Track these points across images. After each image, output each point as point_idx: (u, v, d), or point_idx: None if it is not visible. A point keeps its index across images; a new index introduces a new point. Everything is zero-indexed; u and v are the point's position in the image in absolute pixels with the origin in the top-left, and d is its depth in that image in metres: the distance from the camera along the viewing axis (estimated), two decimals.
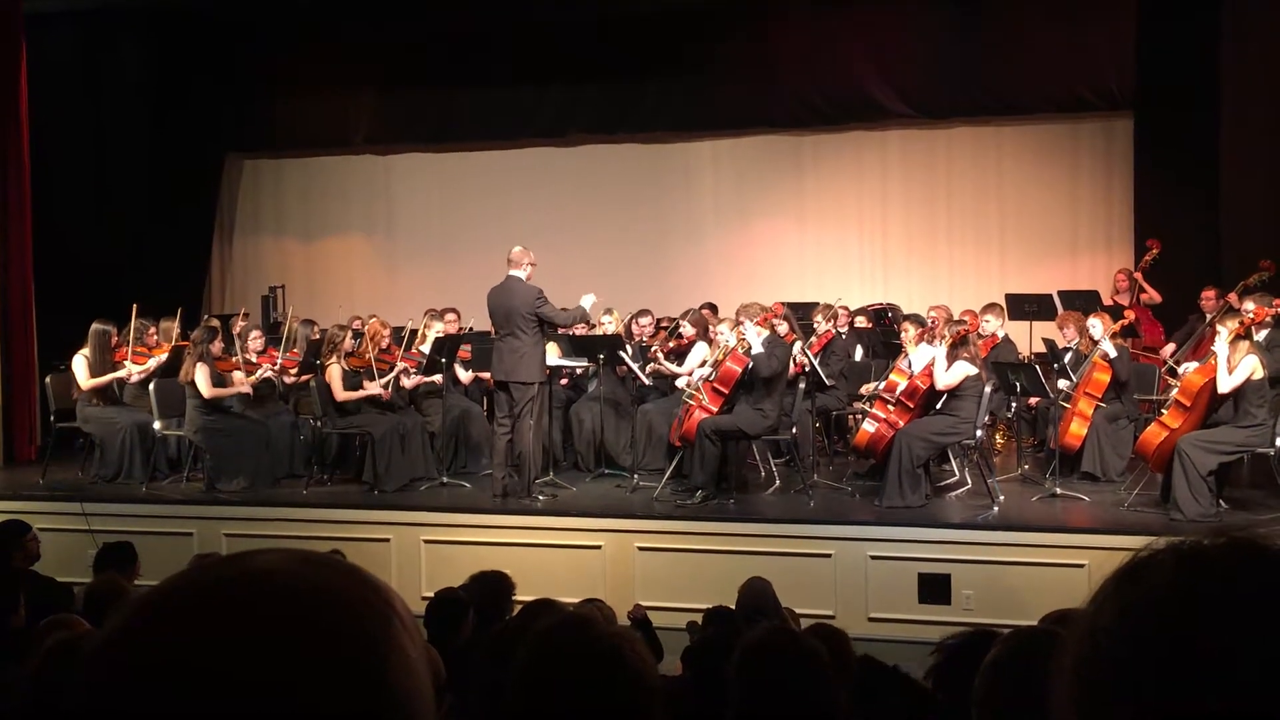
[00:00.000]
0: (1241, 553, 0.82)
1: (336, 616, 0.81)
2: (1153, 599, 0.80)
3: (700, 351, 9.46)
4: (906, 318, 9.38)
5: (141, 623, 0.81)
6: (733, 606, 5.60)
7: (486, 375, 9.05)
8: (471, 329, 10.24)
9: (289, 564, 0.84)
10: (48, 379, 9.87)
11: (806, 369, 8.74)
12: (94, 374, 9.30)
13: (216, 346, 9.12)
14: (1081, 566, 6.99)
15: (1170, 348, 9.99)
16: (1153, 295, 10.75)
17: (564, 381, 9.95)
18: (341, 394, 8.91)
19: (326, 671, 0.79)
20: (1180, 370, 8.33)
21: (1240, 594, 0.79)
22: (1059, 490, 8.13)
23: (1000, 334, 9.69)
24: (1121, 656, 0.80)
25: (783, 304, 9.53)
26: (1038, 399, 9.01)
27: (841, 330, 10.32)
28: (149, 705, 0.77)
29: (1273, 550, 0.82)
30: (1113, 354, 8.59)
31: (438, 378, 9.45)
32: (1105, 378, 8.61)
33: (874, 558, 7.50)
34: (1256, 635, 0.76)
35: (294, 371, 9.87)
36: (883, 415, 8.33)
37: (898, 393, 8.29)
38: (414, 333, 9.97)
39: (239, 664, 0.77)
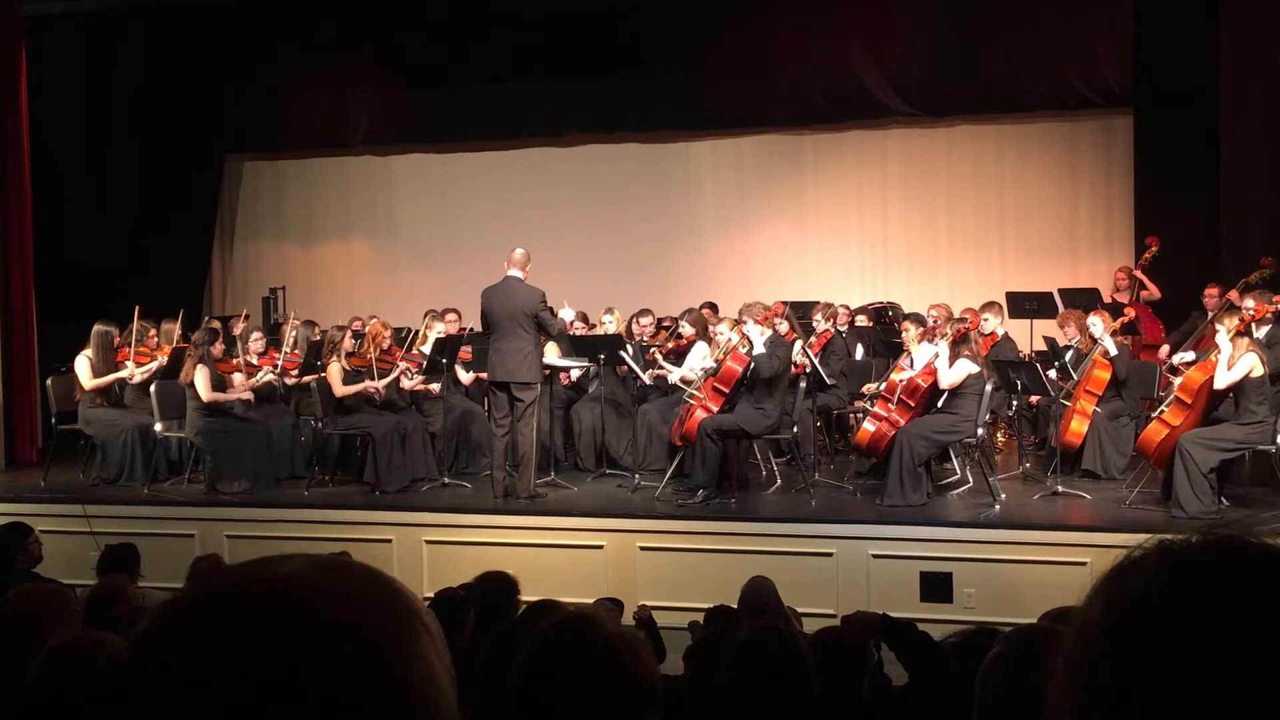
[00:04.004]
0: (1224, 550, 0.83)
1: (356, 623, 0.81)
2: (1135, 596, 0.82)
3: (700, 351, 9.46)
4: (907, 317, 9.38)
5: (165, 629, 0.82)
6: (735, 606, 5.60)
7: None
8: (472, 330, 10.23)
9: (311, 570, 0.85)
10: (49, 381, 9.86)
11: (808, 368, 8.74)
12: (96, 375, 9.30)
13: (217, 348, 9.13)
14: (1083, 564, 6.98)
15: (1165, 349, 9.95)
16: (1153, 291, 10.72)
17: (565, 381, 9.95)
18: (340, 389, 8.91)
19: (344, 676, 0.79)
20: (1176, 360, 8.31)
21: (1219, 590, 0.80)
22: (1060, 488, 8.13)
23: (1000, 332, 9.68)
24: (1105, 652, 0.81)
25: (783, 303, 9.52)
26: (1038, 397, 9.00)
27: (842, 329, 10.31)
28: (172, 708, 0.78)
29: (1257, 546, 0.82)
30: (1113, 352, 8.59)
31: (435, 386, 9.47)
32: (1106, 375, 8.60)
33: (876, 556, 7.51)
34: (1234, 630, 0.77)
35: (295, 373, 9.88)
36: (884, 414, 8.32)
37: (899, 391, 8.29)
38: (415, 333, 9.97)
39: (258, 668, 0.78)
